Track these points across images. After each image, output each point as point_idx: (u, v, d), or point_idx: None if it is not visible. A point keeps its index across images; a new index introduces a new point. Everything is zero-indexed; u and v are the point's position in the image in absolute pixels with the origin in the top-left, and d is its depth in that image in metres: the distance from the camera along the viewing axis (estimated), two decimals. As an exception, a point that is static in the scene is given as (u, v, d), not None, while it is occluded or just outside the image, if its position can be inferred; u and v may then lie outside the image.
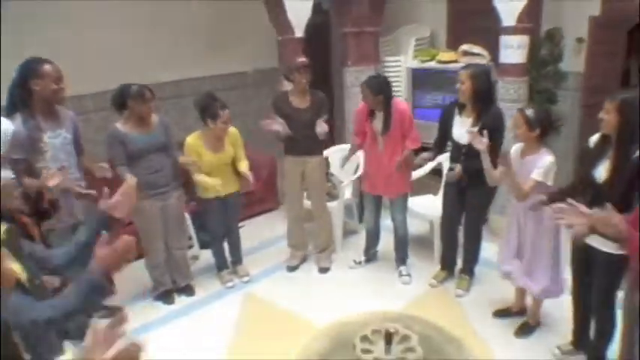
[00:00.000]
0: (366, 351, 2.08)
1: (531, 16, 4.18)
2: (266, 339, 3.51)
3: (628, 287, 2.63)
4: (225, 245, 4.31)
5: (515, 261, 3.41)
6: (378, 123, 3.93)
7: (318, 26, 4.77)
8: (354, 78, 5.14)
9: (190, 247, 4.51)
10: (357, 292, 4.08)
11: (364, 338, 2.15)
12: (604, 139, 2.75)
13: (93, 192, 2.95)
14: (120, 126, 3.57)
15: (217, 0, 5.33)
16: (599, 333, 3.04)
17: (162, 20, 5.02)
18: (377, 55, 5.19)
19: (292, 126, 4.06)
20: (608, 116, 2.62)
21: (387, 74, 5.26)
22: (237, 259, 4.37)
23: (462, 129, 3.59)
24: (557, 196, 2.87)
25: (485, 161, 3.29)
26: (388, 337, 2.12)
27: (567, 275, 3.28)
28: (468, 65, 3.66)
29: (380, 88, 3.79)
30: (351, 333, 2.25)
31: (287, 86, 4.23)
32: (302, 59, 3.95)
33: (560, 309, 3.47)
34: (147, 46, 4.94)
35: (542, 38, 4.60)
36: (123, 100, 3.50)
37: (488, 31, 4.88)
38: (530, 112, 3.10)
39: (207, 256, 4.57)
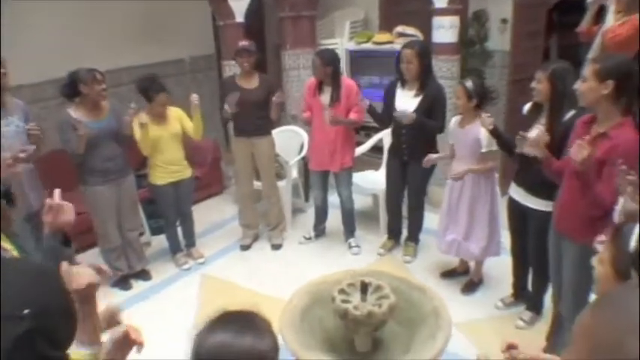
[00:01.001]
0: (345, 301, 2.27)
1: (460, -2, 4.48)
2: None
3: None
4: (179, 230, 4.36)
5: (455, 229, 3.70)
6: (325, 97, 4.10)
7: (252, 12, 4.85)
8: (292, 61, 5.29)
9: (142, 234, 4.51)
10: (311, 265, 4.25)
11: (341, 291, 2.34)
12: (536, 106, 3.06)
13: None
14: (72, 112, 3.53)
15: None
16: (536, 284, 3.41)
17: (96, 9, 4.92)
18: (314, 38, 5.35)
19: (241, 107, 4.15)
20: (540, 85, 2.91)
21: (324, 57, 5.45)
22: (191, 243, 4.43)
23: (405, 101, 3.85)
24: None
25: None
26: (364, 288, 2.32)
27: (503, 238, 3.63)
28: (410, 43, 3.88)
29: (330, 59, 3.98)
30: (328, 289, 2.43)
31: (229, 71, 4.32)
32: (242, 42, 4.05)
33: (500, 267, 3.82)
34: (82, 35, 4.83)
35: (469, 19, 4.93)
36: (74, 86, 3.46)
37: (417, 14, 5.18)
38: (469, 84, 3.38)
39: (158, 242, 4.60)
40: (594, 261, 1.57)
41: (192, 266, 4.32)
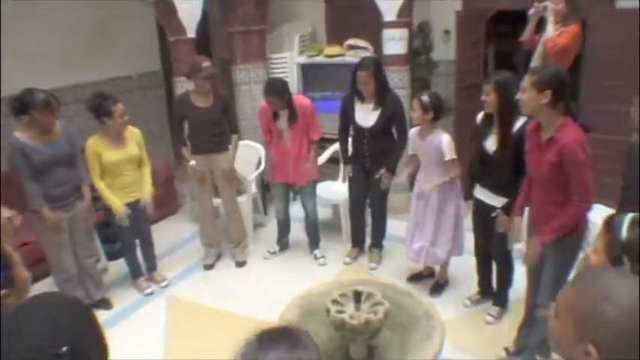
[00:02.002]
0: (340, 312, 2.29)
1: (407, 11, 4.64)
2: (201, 338, 3.53)
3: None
4: (138, 252, 4.22)
5: (422, 237, 3.79)
6: (282, 122, 4.12)
7: (198, 27, 4.81)
8: (243, 76, 5.28)
9: (97, 260, 4.33)
10: (278, 279, 4.23)
11: (335, 302, 2.35)
12: (487, 116, 3.24)
13: None
14: (19, 135, 3.32)
15: (97, 1, 5.14)
16: (501, 279, 3.58)
17: (39, 27, 4.73)
18: (264, 52, 5.37)
19: (197, 126, 4.12)
20: (489, 97, 3.09)
21: (274, 71, 5.49)
22: (152, 266, 4.29)
23: (365, 115, 3.94)
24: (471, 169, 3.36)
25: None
26: (357, 297, 2.35)
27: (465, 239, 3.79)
28: (365, 64, 3.86)
29: (283, 90, 3.99)
30: (316, 301, 2.45)
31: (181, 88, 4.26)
32: (207, 64, 3.98)
33: (463, 267, 3.97)
34: (24, 52, 4.61)
35: (414, 31, 5.12)
36: (25, 107, 3.27)
37: (365, 26, 5.32)
38: (425, 98, 3.51)
39: (116, 268, 4.43)
40: (588, 251, 1.69)
41: (156, 290, 4.18)
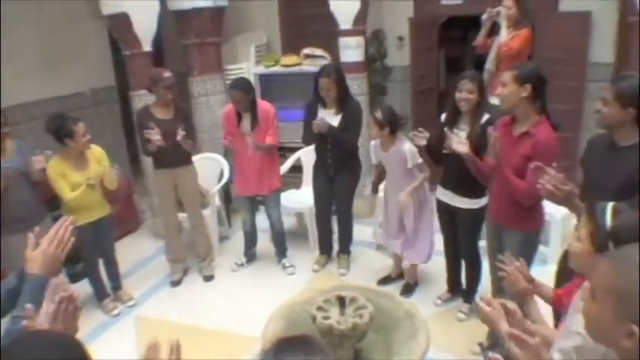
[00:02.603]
0: (326, 318, 2.31)
1: (361, 19, 4.74)
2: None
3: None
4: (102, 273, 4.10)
5: (399, 236, 3.87)
6: (246, 124, 4.11)
7: (153, 40, 4.75)
8: (200, 88, 5.24)
9: (59, 282, 4.17)
10: (248, 291, 4.21)
11: (320, 309, 2.36)
12: (452, 115, 3.31)
13: None
14: None
15: (47, 18, 5.00)
16: (470, 276, 3.68)
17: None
18: (220, 64, 5.35)
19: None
20: (472, 95, 3.14)
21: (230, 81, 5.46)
22: (117, 285, 4.17)
23: (327, 119, 3.97)
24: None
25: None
26: (341, 302, 2.37)
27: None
28: (326, 71, 3.94)
29: (248, 88, 4.02)
30: (300, 310, 2.45)
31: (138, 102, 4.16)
32: (168, 75, 3.93)
33: (431, 267, 4.06)
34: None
35: (369, 39, 5.22)
36: None
37: (319, 35, 5.39)
38: (379, 114, 3.58)
39: (79, 290, 4.24)
40: (570, 238, 1.76)
41: (123, 310, 4.07)
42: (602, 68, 4.84)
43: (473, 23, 4.44)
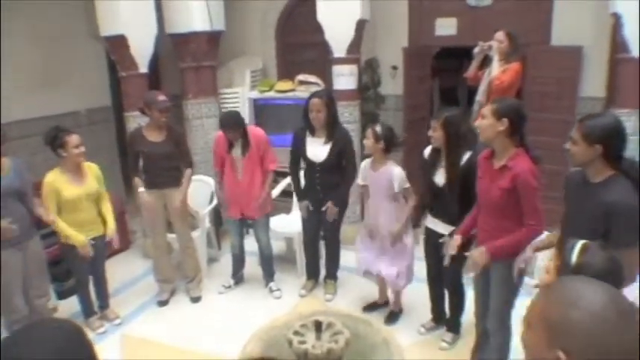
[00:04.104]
0: (302, 342, 2.32)
1: (356, 47, 4.83)
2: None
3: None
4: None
5: (380, 260, 3.90)
6: (237, 150, 4.17)
7: (150, 62, 4.84)
8: (195, 111, 5.33)
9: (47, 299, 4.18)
10: (234, 313, 4.21)
11: (296, 333, 2.38)
12: (435, 151, 3.40)
13: None
14: None
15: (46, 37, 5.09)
16: (453, 306, 3.69)
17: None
18: (215, 87, 5.44)
19: (150, 160, 4.11)
20: (436, 133, 3.26)
21: (225, 105, 5.55)
22: (105, 304, 4.19)
23: (316, 148, 4.04)
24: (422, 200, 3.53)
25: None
26: (318, 327, 2.39)
27: (416, 267, 3.90)
28: (319, 92, 4.06)
29: (240, 122, 4.08)
30: (279, 334, 2.47)
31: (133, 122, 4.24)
32: (163, 98, 4.00)
33: (416, 295, 4.07)
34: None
35: (362, 67, 5.31)
36: None
37: (314, 62, 5.50)
38: (378, 128, 3.66)
39: (66, 307, 4.28)
40: (541, 270, 1.83)
41: (109, 328, 4.08)
42: (593, 102, 4.90)
43: (467, 54, 4.53)
